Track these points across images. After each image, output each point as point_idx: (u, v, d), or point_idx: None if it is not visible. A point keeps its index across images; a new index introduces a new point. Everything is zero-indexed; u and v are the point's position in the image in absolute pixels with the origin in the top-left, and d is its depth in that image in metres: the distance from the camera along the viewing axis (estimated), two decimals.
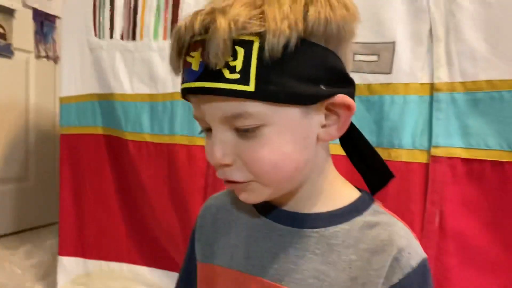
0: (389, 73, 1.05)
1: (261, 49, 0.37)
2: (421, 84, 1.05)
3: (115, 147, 1.45)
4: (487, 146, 0.99)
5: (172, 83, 1.32)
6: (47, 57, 2.55)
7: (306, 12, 0.38)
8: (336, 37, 0.40)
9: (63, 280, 1.53)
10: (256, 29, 0.37)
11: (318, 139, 0.43)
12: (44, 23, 2.51)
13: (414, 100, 1.04)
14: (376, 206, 0.47)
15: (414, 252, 0.43)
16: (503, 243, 1.00)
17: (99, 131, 1.48)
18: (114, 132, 1.45)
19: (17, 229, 2.40)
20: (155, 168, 1.35)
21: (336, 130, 0.44)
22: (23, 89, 2.45)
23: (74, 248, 1.52)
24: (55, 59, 2.60)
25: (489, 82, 0.98)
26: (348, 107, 0.42)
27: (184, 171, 1.30)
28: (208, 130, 0.43)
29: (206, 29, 0.37)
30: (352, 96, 0.43)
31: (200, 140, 1.28)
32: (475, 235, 1.02)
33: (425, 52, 1.03)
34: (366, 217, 0.45)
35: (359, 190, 0.49)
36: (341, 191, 0.48)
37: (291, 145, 0.41)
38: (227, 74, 0.37)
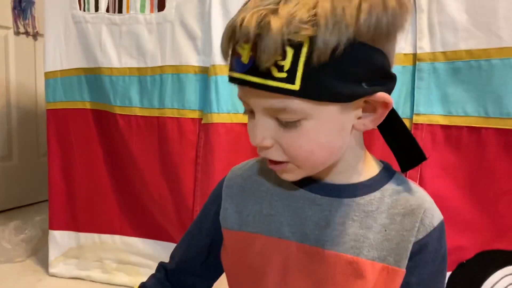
0: None
1: (310, 52, 0.38)
2: (405, 54, 1.09)
3: (103, 122, 1.46)
4: (465, 113, 1.05)
5: (161, 56, 1.33)
6: (27, 33, 2.48)
7: (358, 15, 0.39)
8: (385, 36, 0.42)
9: (55, 254, 1.55)
10: (308, 33, 0.38)
11: (353, 128, 0.46)
12: None
13: (398, 70, 1.08)
14: (398, 174, 0.52)
15: (436, 213, 0.49)
16: (478, 204, 1.08)
17: (87, 105, 1.48)
18: (102, 107, 1.45)
19: (3, 208, 2.39)
20: (145, 141, 1.37)
21: (371, 122, 0.46)
22: (2, 67, 2.39)
23: (65, 222, 1.53)
24: (35, 35, 2.53)
25: (468, 52, 1.03)
26: (385, 105, 0.45)
27: (175, 144, 1.32)
28: (251, 112, 0.46)
29: (260, 26, 0.38)
30: (391, 92, 0.45)
31: (190, 113, 1.30)
32: (453, 197, 1.08)
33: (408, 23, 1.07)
34: (392, 185, 0.50)
35: (380, 161, 0.53)
36: (369, 164, 0.52)
37: (327, 136, 0.44)
38: (275, 72, 0.39)
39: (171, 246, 1.39)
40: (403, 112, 1.10)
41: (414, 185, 0.52)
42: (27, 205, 2.50)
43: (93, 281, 1.51)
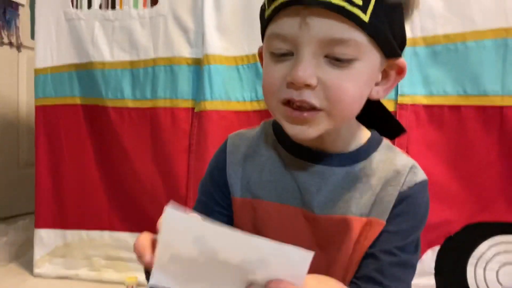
0: None
1: None
2: None
3: (94, 116, 1.47)
4: (445, 92, 1.12)
5: (153, 49, 1.36)
6: (10, 44, 2.48)
7: None
8: (409, 6, 0.47)
9: (40, 253, 1.51)
10: None
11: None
12: (7, 10, 2.44)
13: None
14: (385, 142, 0.56)
15: (420, 172, 0.53)
16: (462, 179, 1.14)
17: (77, 101, 1.48)
18: (93, 101, 1.46)
19: None
20: (137, 133, 1.38)
21: (384, 91, 0.50)
22: None
23: (52, 220, 1.50)
24: (18, 47, 2.53)
25: (446, 36, 1.11)
26: (402, 71, 0.49)
27: (168, 133, 1.34)
28: (284, 54, 0.45)
29: None
30: None
31: (183, 102, 1.33)
32: (438, 173, 1.14)
33: None
34: (380, 151, 0.54)
35: (368, 129, 0.57)
36: (359, 133, 0.55)
37: (365, 85, 0.46)
38: None
39: None
40: (388, 95, 1.16)
41: (399, 150, 0.56)
42: (7, 217, 2.42)
43: (80, 279, 1.47)
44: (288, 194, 0.54)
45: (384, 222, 0.51)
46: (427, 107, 1.14)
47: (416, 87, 1.14)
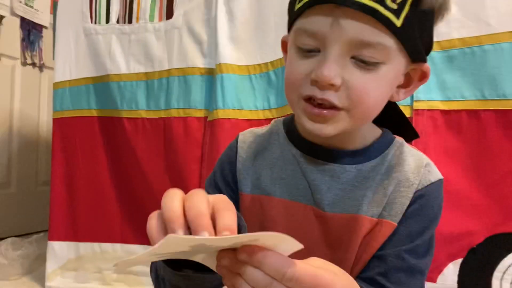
0: None
1: None
2: None
3: (109, 128, 1.48)
4: (463, 97, 1.09)
5: (168, 61, 1.38)
6: (33, 64, 2.57)
7: None
8: (441, 11, 0.47)
9: (52, 267, 1.50)
10: None
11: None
12: (31, 31, 2.55)
13: None
14: (397, 140, 0.55)
15: (434, 171, 0.52)
16: (484, 187, 1.09)
17: (93, 113, 1.51)
18: (108, 113, 1.48)
19: None
20: (151, 143, 1.39)
21: (403, 94, 0.50)
22: (8, 95, 2.44)
23: (65, 232, 1.50)
24: (41, 67, 2.62)
25: (461, 40, 1.09)
26: (425, 76, 0.49)
27: (181, 143, 1.34)
28: (311, 51, 0.45)
29: None
30: None
31: (196, 112, 1.34)
32: (458, 181, 1.09)
33: None
34: (392, 149, 0.53)
35: (379, 127, 0.56)
36: (372, 130, 0.55)
37: (388, 89, 0.46)
38: (388, 1, 0.40)
39: None
40: (403, 100, 1.14)
41: (412, 148, 0.54)
42: (22, 235, 2.44)
43: None
44: (299, 191, 0.53)
45: (396, 224, 0.49)
46: (445, 112, 1.11)
47: (432, 92, 1.11)
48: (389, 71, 0.44)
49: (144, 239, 1.44)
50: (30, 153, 2.57)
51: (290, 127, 0.56)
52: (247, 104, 1.25)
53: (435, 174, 0.51)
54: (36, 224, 2.46)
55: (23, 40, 2.49)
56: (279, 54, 1.17)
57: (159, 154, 1.38)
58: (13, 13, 2.44)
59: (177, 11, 1.39)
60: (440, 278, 1.10)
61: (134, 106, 1.41)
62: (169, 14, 1.40)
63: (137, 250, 1.43)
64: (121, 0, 1.46)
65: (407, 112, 1.12)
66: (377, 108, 0.47)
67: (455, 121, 1.10)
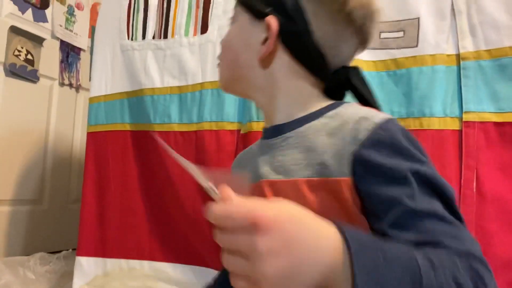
0: (415, 46, 1.10)
1: None
2: (448, 55, 1.09)
3: (141, 142, 1.47)
4: None
5: (202, 74, 1.37)
6: (70, 85, 2.64)
7: None
8: None
9: (79, 283, 1.47)
10: None
11: (261, 55, 0.56)
12: (70, 54, 2.64)
13: (442, 70, 1.08)
14: (351, 103, 0.54)
15: (375, 115, 0.47)
16: None
17: (127, 127, 1.51)
18: (141, 127, 1.47)
19: (26, 254, 2.33)
20: (182, 156, 1.36)
21: (266, 46, 0.56)
22: (45, 114, 2.51)
23: (93, 248, 1.47)
24: (77, 88, 2.69)
25: None
26: (269, 27, 0.55)
27: (213, 156, 1.30)
28: None
29: None
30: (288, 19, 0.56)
31: (229, 125, 1.30)
32: None
33: (449, 25, 1.09)
34: (337, 109, 0.52)
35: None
36: (311, 102, 0.55)
37: (237, 41, 0.60)
38: None
39: (203, 271, 1.30)
40: (451, 112, 1.07)
41: (360, 106, 0.53)
42: (51, 252, 2.44)
43: None
44: (255, 173, 0.57)
45: (349, 178, 0.45)
46: (498, 125, 1.02)
47: (483, 103, 1.04)
48: (235, 27, 0.61)
49: (172, 257, 1.39)
50: (63, 171, 2.61)
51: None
52: None
53: (379, 116, 0.47)
54: (65, 242, 2.46)
55: (61, 61, 2.57)
56: None
57: None
58: (54, 36, 2.54)
59: (212, 25, 1.39)
60: None
61: (167, 120, 1.40)
62: (204, 29, 1.40)
63: (165, 268, 1.38)
64: (157, 16, 1.48)
65: (455, 125, 1.05)
66: (232, 57, 0.61)
67: (510, 134, 1.01)
